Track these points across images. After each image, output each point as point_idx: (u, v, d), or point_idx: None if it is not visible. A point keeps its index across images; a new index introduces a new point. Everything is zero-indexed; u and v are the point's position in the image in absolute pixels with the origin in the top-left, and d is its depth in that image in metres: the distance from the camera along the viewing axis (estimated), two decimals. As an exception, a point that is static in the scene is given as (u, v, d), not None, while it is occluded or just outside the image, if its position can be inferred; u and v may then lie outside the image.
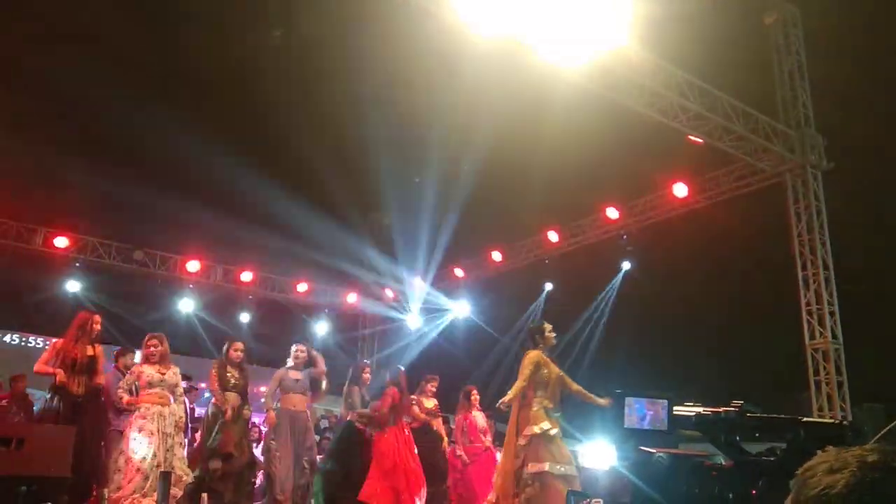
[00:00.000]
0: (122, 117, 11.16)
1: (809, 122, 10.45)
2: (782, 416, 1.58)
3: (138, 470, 6.33)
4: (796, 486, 0.88)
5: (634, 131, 10.04)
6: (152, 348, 6.92)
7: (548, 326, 6.81)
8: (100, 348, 6.90)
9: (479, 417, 8.62)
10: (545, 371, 6.50)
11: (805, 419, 1.55)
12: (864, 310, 10.83)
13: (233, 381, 7.15)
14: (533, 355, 6.53)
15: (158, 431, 6.57)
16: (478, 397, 8.77)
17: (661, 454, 1.44)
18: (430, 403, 8.48)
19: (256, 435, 9.05)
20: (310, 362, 7.67)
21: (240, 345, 7.40)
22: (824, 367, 9.86)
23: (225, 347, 7.37)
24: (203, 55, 10.05)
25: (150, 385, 6.75)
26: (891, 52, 9.20)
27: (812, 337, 10.02)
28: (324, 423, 11.93)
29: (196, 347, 14.01)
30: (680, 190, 11.58)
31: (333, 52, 10.03)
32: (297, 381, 7.48)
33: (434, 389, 8.61)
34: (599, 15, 8.03)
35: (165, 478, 6.23)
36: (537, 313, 14.75)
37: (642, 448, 1.48)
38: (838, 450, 0.88)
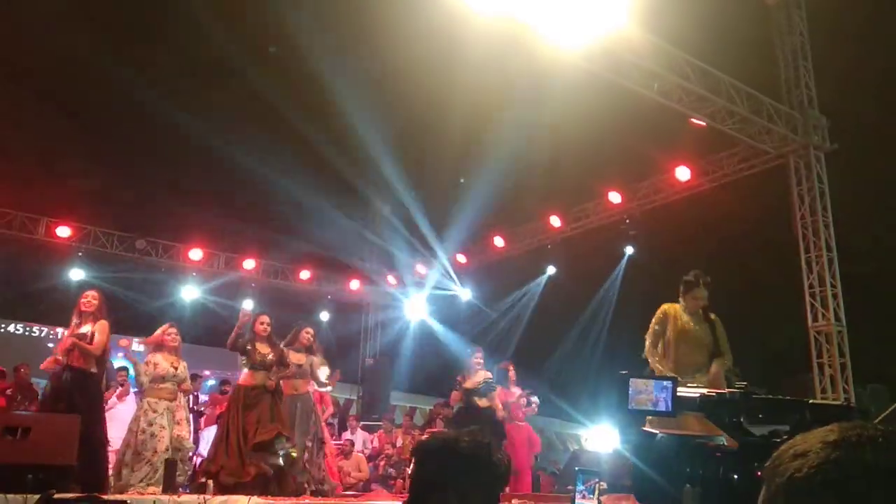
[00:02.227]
0: (123, 106, 11.14)
1: (812, 103, 10.38)
2: (788, 397, 1.57)
3: (148, 462, 6.36)
4: (767, 476, 0.89)
5: (636, 114, 9.99)
6: (173, 335, 6.89)
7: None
8: (101, 324, 6.46)
9: (515, 394, 8.51)
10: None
11: (811, 401, 1.54)
12: (867, 292, 10.82)
13: (258, 357, 6.92)
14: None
15: (168, 426, 6.59)
16: (514, 375, 8.57)
17: (663, 435, 1.44)
18: (479, 378, 8.04)
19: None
20: (311, 347, 7.61)
21: (264, 318, 7.23)
22: (827, 350, 9.85)
23: (251, 322, 7.17)
24: (204, 41, 10.01)
25: (164, 379, 6.73)
26: (894, 32, 9.12)
27: (815, 319, 10.00)
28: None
29: (199, 335, 14.02)
30: (682, 173, 11.54)
31: (333, 36, 9.97)
32: (300, 365, 7.42)
33: (480, 361, 8.17)
34: (600, -3, 7.98)
35: (171, 467, 6.26)
36: (536, 298, 14.78)
37: (645, 429, 1.48)
38: (803, 435, 0.89)
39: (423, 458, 1.92)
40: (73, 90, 11.13)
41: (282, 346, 7.28)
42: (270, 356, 6.95)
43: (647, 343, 5.73)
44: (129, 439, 6.58)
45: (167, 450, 6.47)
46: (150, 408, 6.59)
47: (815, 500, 0.81)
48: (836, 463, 0.82)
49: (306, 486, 6.94)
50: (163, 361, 6.76)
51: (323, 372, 7.71)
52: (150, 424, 6.49)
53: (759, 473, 1.33)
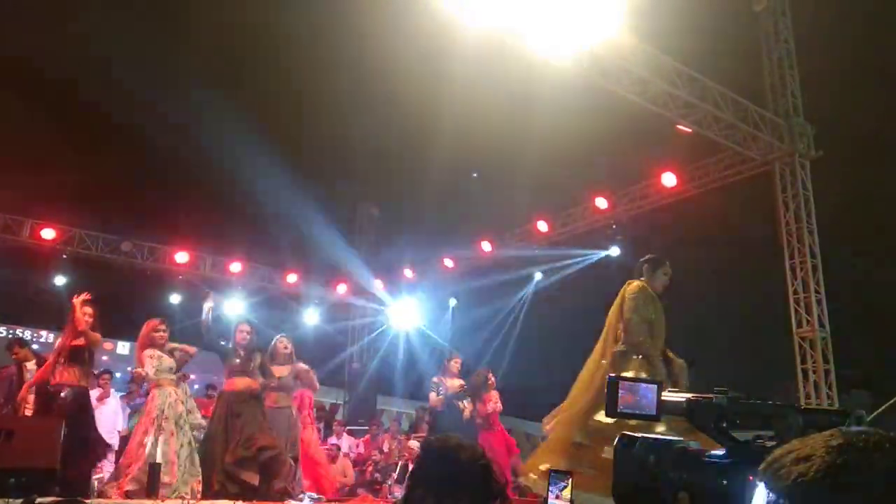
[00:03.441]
0: (110, 107, 11.07)
1: (798, 111, 10.47)
2: (778, 402, 1.57)
3: (139, 458, 6.32)
4: (767, 479, 0.89)
5: (623, 120, 10.04)
6: (162, 332, 6.84)
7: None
8: (93, 336, 6.45)
9: (496, 399, 8.42)
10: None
11: (805, 406, 1.55)
12: (851, 298, 10.91)
13: (238, 363, 6.88)
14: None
15: (172, 419, 6.53)
16: (494, 380, 8.51)
17: (644, 438, 1.44)
18: (456, 383, 8.05)
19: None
20: (290, 357, 7.50)
21: (245, 326, 7.14)
22: (811, 356, 9.92)
23: (233, 330, 7.11)
24: (193, 44, 9.98)
25: (170, 370, 6.70)
26: (880, 40, 9.22)
27: (799, 325, 10.07)
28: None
29: (185, 339, 13.94)
30: (669, 179, 11.60)
31: (322, 43, 9.97)
32: (280, 377, 7.27)
33: (458, 367, 8.17)
34: (588, 3, 8.01)
35: (154, 469, 6.21)
36: (526, 302, 14.81)
37: (625, 433, 1.48)
38: (800, 439, 0.90)
39: (421, 455, 2.01)
40: (59, 92, 11.06)
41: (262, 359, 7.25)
42: (251, 363, 6.93)
43: (635, 323, 5.26)
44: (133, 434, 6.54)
45: (156, 444, 6.40)
46: (161, 397, 6.52)
47: (826, 502, 0.82)
48: (845, 467, 0.83)
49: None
50: (164, 354, 6.72)
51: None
52: (160, 417, 6.43)
53: (752, 478, 1.33)
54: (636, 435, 1.45)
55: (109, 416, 9.02)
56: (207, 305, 7.14)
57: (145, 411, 6.65)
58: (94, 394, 8.71)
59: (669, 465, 1.40)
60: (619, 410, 1.46)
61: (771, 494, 0.87)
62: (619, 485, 1.46)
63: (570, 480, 3.03)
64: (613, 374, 1.51)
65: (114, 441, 8.60)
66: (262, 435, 6.62)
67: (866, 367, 10.90)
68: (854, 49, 9.61)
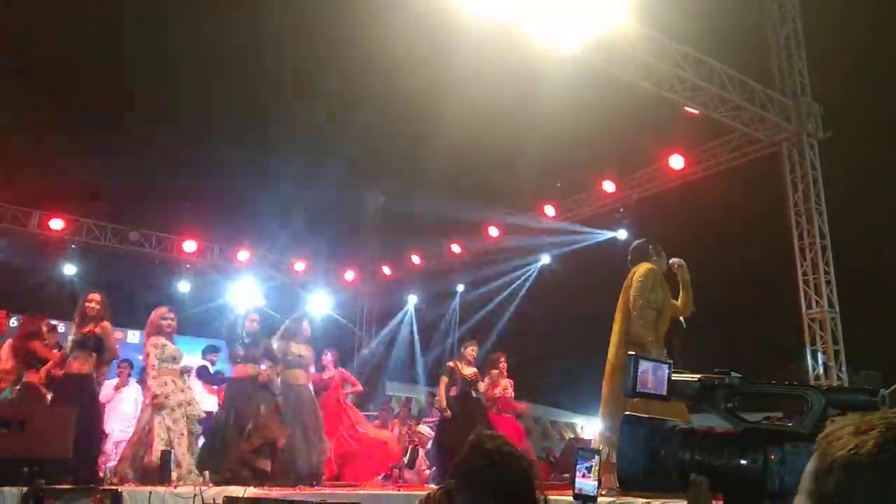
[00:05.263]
0: (116, 97, 11.07)
1: (806, 91, 10.38)
2: (796, 382, 1.56)
3: (149, 448, 6.36)
4: (821, 450, 0.92)
5: (630, 104, 9.97)
6: (169, 320, 6.88)
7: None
8: (104, 325, 6.50)
9: (508, 387, 8.56)
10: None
11: (827, 386, 1.54)
12: (860, 279, 10.86)
13: (242, 352, 7.00)
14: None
15: (181, 413, 6.58)
16: (506, 365, 8.61)
17: (651, 418, 1.43)
18: (469, 371, 8.19)
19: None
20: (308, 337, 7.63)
21: (255, 315, 7.26)
22: (821, 336, 9.90)
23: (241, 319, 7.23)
24: (197, 32, 9.95)
25: (174, 360, 6.73)
26: (890, 18, 9.12)
27: (809, 306, 10.04)
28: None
29: (193, 328, 13.99)
30: (676, 162, 11.54)
31: (326, 31, 9.92)
32: (301, 355, 7.42)
33: (474, 355, 8.33)
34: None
35: (166, 456, 6.26)
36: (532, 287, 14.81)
37: (629, 413, 1.47)
38: (860, 414, 0.93)
39: (471, 454, 1.94)
40: (66, 82, 11.06)
41: (279, 338, 7.33)
42: (257, 351, 7.02)
43: (641, 307, 5.26)
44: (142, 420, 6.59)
45: (169, 431, 6.45)
46: (163, 388, 6.56)
47: (879, 475, 0.85)
48: None
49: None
50: (169, 343, 6.76)
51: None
52: (162, 407, 6.48)
53: (773, 457, 1.32)
54: (642, 416, 1.43)
55: (129, 405, 9.05)
56: (250, 320, 7.23)
57: (145, 400, 6.73)
58: (111, 383, 8.79)
59: (678, 445, 1.38)
60: (638, 390, 1.45)
61: (825, 464, 0.90)
62: (625, 467, 1.45)
63: (598, 458, 3.01)
64: (633, 352, 1.49)
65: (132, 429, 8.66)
66: (275, 426, 6.74)
67: (876, 348, 10.85)
68: (864, 28, 9.51)
